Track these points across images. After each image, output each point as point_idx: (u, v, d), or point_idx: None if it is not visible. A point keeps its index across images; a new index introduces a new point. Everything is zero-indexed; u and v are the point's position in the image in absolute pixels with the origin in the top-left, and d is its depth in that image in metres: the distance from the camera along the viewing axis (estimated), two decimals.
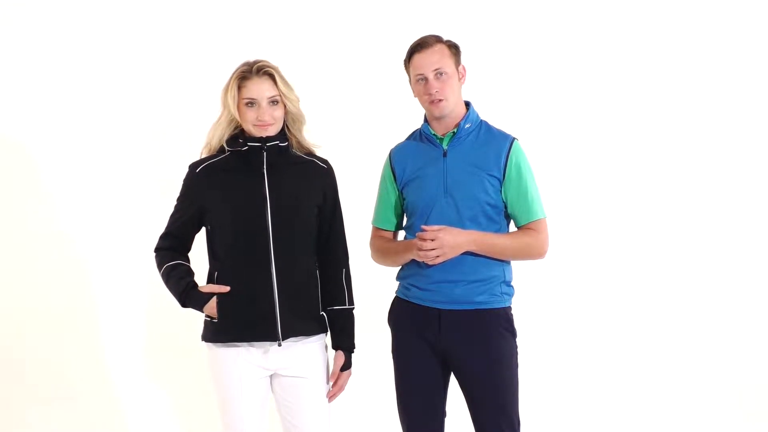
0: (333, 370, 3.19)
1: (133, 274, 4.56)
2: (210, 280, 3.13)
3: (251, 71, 3.06)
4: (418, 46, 3.18)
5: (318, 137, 3.25)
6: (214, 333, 3.10)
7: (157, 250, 3.20)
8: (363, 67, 4.61)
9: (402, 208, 3.32)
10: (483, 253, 3.15)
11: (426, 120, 3.26)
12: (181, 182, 3.19)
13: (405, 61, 3.24)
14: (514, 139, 3.21)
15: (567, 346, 4.68)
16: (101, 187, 4.56)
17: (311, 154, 3.20)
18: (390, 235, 3.38)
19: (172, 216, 3.20)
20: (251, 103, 3.05)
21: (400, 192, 3.29)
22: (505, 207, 3.21)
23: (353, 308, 3.22)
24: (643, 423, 4.65)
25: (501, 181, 3.17)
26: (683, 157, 4.74)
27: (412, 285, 3.23)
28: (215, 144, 3.13)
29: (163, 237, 3.21)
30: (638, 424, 4.65)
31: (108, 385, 4.55)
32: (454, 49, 3.21)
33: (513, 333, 3.23)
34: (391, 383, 3.32)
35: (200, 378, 4.36)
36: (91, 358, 4.54)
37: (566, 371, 4.67)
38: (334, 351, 3.22)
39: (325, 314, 3.17)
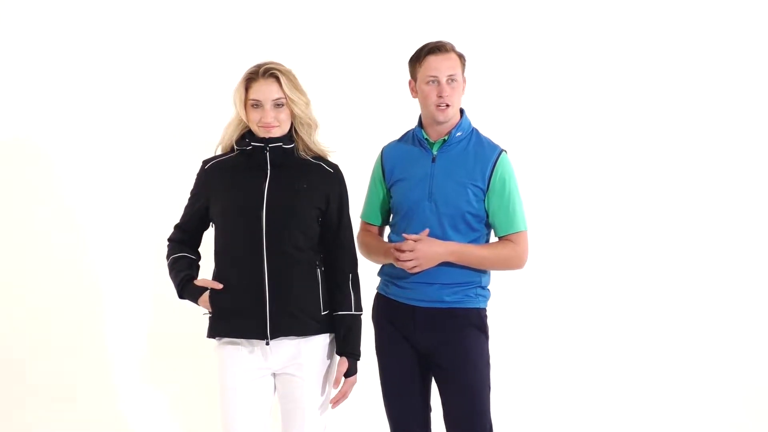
0: (336, 376, 3.19)
1: (134, 274, 4.57)
2: (213, 276, 3.17)
3: (258, 73, 3.09)
4: (435, 49, 3.21)
5: (328, 140, 3.25)
6: (211, 328, 3.17)
7: (168, 240, 3.26)
8: (370, 71, 4.60)
9: (389, 205, 3.37)
10: (460, 264, 3.19)
11: (420, 123, 3.30)
12: (190, 184, 3.26)
13: (413, 59, 3.26)
14: (502, 151, 3.25)
15: (546, 350, 4.67)
16: (104, 188, 4.57)
17: (320, 158, 3.20)
18: (376, 229, 3.45)
19: (184, 209, 3.26)
20: (256, 104, 3.09)
21: (388, 190, 3.34)
22: (487, 216, 3.25)
23: (360, 314, 3.20)
24: (625, 427, 4.63)
25: (485, 192, 3.21)
26: (669, 165, 4.71)
27: (390, 282, 3.31)
28: (227, 142, 3.20)
29: (175, 228, 3.27)
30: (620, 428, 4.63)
31: (108, 385, 4.56)
32: (463, 59, 3.26)
33: (485, 333, 3.27)
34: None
35: (201, 379, 4.40)
36: (91, 359, 4.55)
37: (544, 376, 4.66)
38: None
39: (331, 316, 3.17)
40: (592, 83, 4.68)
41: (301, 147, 3.17)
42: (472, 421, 3.21)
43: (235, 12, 4.58)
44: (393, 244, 3.23)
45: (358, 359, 3.20)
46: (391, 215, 3.38)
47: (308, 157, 3.18)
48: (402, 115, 4.40)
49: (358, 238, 3.42)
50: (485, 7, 4.65)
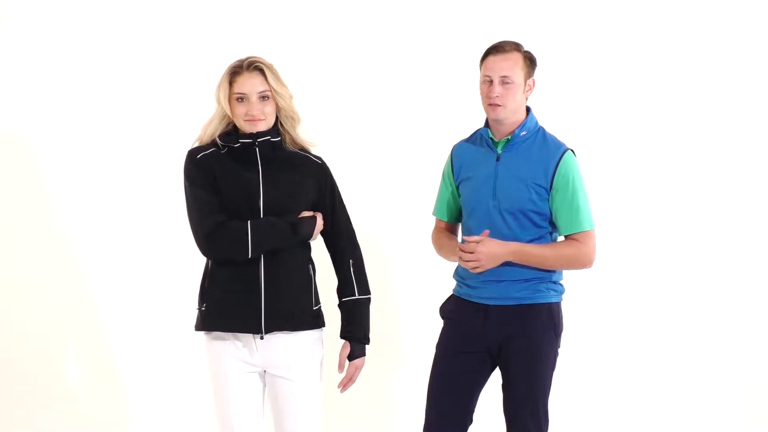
0: (339, 360, 3.23)
1: (134, 274, 4.56)
2: (205, 272, 3.17)
3: (242, 66, 3.09)
4: (494, 49, 3.27)
5: (332, 135, 3.33)
6: (201, 321, 3.16)
7: (210, 243, 3.05)
8: (368, 66, 4.63)
9: (458, 202, 3.45)
10: (522, 263, 3.26)
11: (486, 123, 3.37)
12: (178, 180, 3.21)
13: (481, 59, 3.33)
14: (567, 150, 3.29)
15: (602, 349, 4.70)
16: (103, 187, 4.55)
17: (305, 150, 3.22)
18: (444, 225, 3.53)
19: (200, 208, 3.08)
20: (241, 98, 3.07)
21: (456, 188, 3.43)
22: (551, 215, 3.31)
23: (366, 297, 3.22)
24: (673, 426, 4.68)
25: (548, 191, 3.27)
26: (725, 163, 4.75)
27: (464, 283, 3.38)
28: (206, 140, 3.17)
29: (208, 231, 3.05)
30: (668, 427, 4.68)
31: (108, 385, 4.54)
32: (529, 60, 3.29)
33: (555, 330, 3.32)
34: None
35: (201, 377, 4.37)
36: (91, 359, 4.54)
37: (599, 374, 4.70)
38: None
39: (320, 310, 3.20)
40: (667, 81, 4.70)
41: (288, 140, 3.17)
42: (530, 413, 3.26)
43: (226, 10, 4.58)
44: (458, 244, 3.32)
45: (363, 342, 3.20)
46: (462, 214, 3.45)
47: (296, 150, 3.19)
48: (419, 118, 4.57)
49: (431, 235, 3.54)
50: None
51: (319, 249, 3.24)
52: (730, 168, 4.73)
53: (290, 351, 3.12)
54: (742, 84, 4.71)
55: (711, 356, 4.72)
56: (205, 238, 3.06)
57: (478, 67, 3.33)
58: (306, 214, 3.12)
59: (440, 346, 3.41)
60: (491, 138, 3.33)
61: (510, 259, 3.23)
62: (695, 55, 4.70)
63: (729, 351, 4.72)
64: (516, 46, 3.27)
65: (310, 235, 3.12)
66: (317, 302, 3.18)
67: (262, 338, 3.08)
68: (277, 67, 3.12)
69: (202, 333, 3.18)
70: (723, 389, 4.71)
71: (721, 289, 4.72)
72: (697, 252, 4.72)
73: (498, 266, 3.24)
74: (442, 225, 3.53)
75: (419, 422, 3.41)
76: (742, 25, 4.70)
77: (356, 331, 3.20)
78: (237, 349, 3.11)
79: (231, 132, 3.13)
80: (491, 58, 3.26)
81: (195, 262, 3.32)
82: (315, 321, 3.17)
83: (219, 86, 3.10)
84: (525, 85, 3.26)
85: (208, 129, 3.14)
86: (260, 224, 3.05)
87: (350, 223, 3.26)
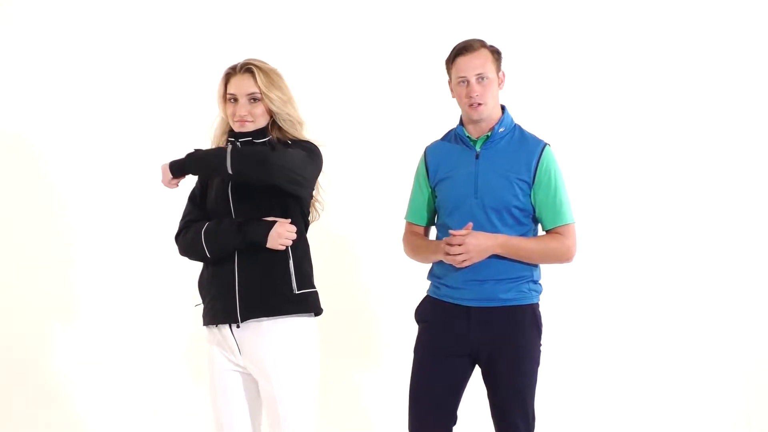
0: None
1: (134, 275, 4.56)
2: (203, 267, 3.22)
3: (236, 68, 3.12)
4: (463, 49, 3.25)
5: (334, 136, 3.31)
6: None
7: (177, 245, 3.21)
8: (368, 68, 4.63)
9: (434, 204, 3.40)
10: (509, 257, 3.24)
11: (461, 122, 3.34)
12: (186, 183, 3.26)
13: (447, 61, 3.31)
14: (545, 144, 3.29)
15: (584, 345, 4.68)
16: (102, 186, 4.55)
17: (297, 139, 3.16)
18: (421, 230, 3.46)
19: (183, 212, 3.24)
20: (232, 98, 3.10)
21: (433, 189, 3.38)
22: (534, 210, 3.29)
23: (225, 150, 2.99)
24: (659, 424, 4.68)
25: (530, 186, 3.26)
26: (707, 159, 4.70)
27: (442, 284, 3.32)
28: (216, 140, 3.22)
29: (176, 233, 3.20)
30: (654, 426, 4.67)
31: (107, 385, 4.55)
32: (496, 54, 3.29)
33: (539, 330, 3.31)
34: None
35: (200, 377, 4.38)
36: (91, 359, 4.54)
37: (582, 370, 4.68)
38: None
39: (309, 295, 3.11)
40: (637, 78, 4.66)
41: (275, 138, 3.13)
42: (519, 411, 3.25)
43: (238, 12, 4.59)
44: (442, 240, 3.26)
45: (176, 164, 3.07)
46: (437, 215, 3.41)
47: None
48: (362, 113, 4.53)
49: (403, 239, 3.47)
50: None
51: (318, 238, 3.23)
52: (711, 161, 4.69)
53: (271, 345, 3.06)
54: (719, 75, 4.68)
55: (699, 353, 4.68)
56: (174, 240, 3.20)
57: (445, 70, 3.32)
58: (270, 218, 3.06)
59: (419, 350, 3.35)
60: (468, 136, 3.30)
61: (498, 251, 3.20)
62: (671, 46, 4.67)
63: (719, 347, 4.67)
64: (482, 43, 3.26)
65: (261, 239, 3.03)
66: (304, 286, 3.10)
67: (238, 326, 3.07)
68: (281, 71, 3.13)
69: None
70: (716, 385, 4.67)
71: (707, 284, 4.68)
72: (680, 247, 4.69)
73: (480, 265, 3.21)
74: (417, 229, 3.46)
75: (396, 425, 3.40)
76: (719, 18, 4.70)
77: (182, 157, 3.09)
78: (221, 347, 3.14)
79: (229, 131, 3.17)
80: (462, 59, 3.23)
81: (193, 263, 3.30)
82: (298, 306, 3.08)
83: (218, 87, 3.15)
84: (497, 79, 3.27)
85: (215, 130, 3.20)
86: (211, 227, 3.08)
87: (288, 157, 3.05)
